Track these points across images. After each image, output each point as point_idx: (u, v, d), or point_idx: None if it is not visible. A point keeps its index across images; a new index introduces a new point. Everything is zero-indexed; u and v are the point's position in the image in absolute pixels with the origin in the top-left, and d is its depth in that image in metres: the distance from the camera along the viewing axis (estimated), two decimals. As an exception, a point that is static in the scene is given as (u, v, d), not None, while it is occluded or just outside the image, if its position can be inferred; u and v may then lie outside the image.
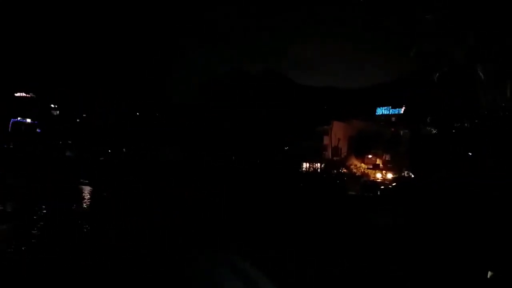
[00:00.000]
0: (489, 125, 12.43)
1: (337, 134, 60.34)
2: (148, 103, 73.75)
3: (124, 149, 63.98)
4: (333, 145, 59.23)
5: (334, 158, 56.02)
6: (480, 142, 11.23)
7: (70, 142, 66.83)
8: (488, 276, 4.60)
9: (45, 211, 15.70)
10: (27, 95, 75.85)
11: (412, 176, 25.25)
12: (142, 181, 29.49)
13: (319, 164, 56.05)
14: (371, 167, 49.80)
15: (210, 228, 10.99)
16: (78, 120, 73.31)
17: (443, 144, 14.58)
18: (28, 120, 71.83)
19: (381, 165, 48.84)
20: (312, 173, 51.17)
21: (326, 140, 60.40)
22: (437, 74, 18.01)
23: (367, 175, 46.19)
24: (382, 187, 32.78)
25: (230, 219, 12.10)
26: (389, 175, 40.83)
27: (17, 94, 75.12)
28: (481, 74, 15.76)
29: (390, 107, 61.06)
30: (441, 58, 17.65)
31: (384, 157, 47.95)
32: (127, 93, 74.39)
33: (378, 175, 45.00)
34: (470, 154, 11.33)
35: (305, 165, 55.88)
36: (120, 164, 46.44)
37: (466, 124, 14.34)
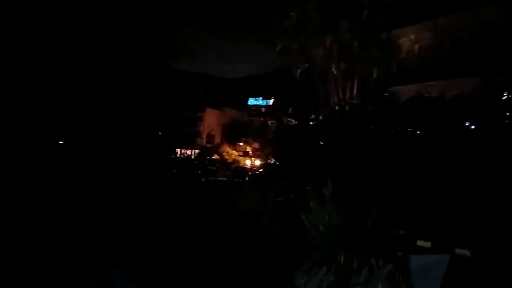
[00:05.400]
0: (336, 117, 14.40)
1: (211, 121, 61.15)
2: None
3: None
4: (207, 132, 59.79)
5: (208, 145, 56.70)
6: (329, 132, 12.75)
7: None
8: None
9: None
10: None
11: (277, 163, 27.35)
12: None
13: (191, 151, 55.85)
14: (242, 154, 52.29)
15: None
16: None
17: (300, 134, 15.94)
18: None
19: (250, 152, 51.64)
20: (185, 159, 50.52)
21: (200, 127, 60.56)
22: (299, 70, 19.66)
23: (238, 161, 48.31)
24: (250, 173, 34.92)
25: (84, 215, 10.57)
26: (257, 162, 43.50)
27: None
28: (334, 72, 18.06)
29: (261, 98, 64.86)
30: (303, 56, 19.38)
31: (253, 145, 50.77)
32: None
33: (248, 162, 47.51)
34: (322, 143, 12.73)
35: (178, 151, 54.90)
36: None
37: (320, 117, 16.23)
